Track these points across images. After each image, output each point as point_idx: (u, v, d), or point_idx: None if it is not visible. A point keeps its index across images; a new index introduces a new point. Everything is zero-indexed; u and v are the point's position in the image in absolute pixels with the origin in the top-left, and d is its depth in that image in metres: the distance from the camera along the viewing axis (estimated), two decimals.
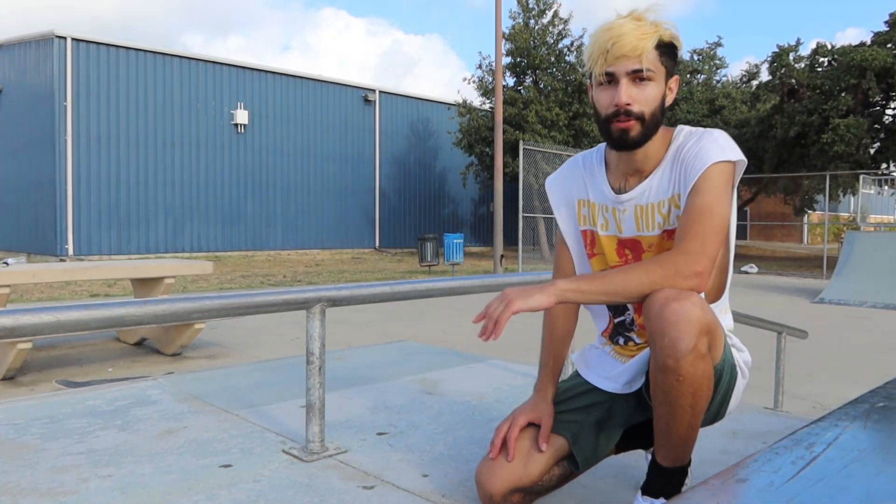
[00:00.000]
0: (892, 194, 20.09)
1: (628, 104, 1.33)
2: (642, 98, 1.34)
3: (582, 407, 1.50)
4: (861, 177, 14.80)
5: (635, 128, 1.35)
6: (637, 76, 1.33)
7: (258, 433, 2.04)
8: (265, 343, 5.54)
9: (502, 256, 13.92)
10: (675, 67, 1.40)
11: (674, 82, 1.41)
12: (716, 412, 1.40)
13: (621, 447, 1.58)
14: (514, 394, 2.56)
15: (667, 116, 1.50)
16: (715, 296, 1.46)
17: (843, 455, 0.85)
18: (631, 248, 1.48)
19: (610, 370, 1.53)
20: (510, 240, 19.39)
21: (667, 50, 1.36)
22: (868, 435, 0.94)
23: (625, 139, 1.37)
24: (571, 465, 1.47)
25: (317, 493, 1.60)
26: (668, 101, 1.40)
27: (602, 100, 1.37)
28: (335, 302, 1.84)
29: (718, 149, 1.34)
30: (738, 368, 1.42)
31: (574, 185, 1.57)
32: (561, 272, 1.61)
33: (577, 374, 1.63)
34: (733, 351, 1.42)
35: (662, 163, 1.42)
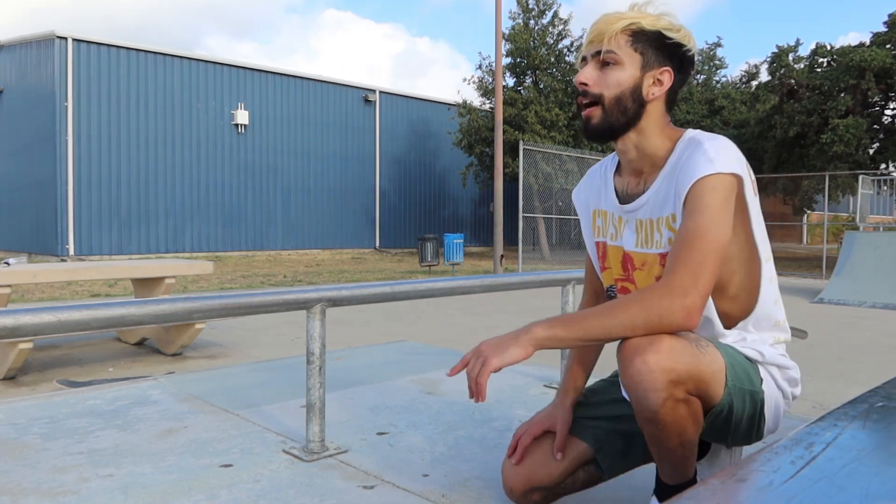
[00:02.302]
0: (892, 194, 20.09)
1: (584, 83, 1.32)
2: (602, 80, 1.31)
3: (612, 416, 1.45)
4: (860, 177, 14.80)
5: (596, 113, 1.32)
6: (599, 59, 1.31)
7: (258, 433, 2.05)
8: (265, 343, 5.54)
9: (502, 256, 13.93)
10: (666, 60, 1.33)
11: (661, 74, 1.32)
12: (746, 436, 1.32)
13: None
14: (514, 394, 2.56)
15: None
16: (739, 315, 1.35)
17: (843, 455, 0.85)
18: (631, 263, 1.42)
19: None
20: (510, 240, 19.39)
21: (648, 39, 1.31)
22: (867, 435, 0.94)
23: (587, 126, 1.35)
24: (598, 470, 1.45)
25: (317, 492, 1.60)
26: (654, 92, 1.33)
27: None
28: (335, 302, 1.84)
29: (706, 161, 1.23)
30: (763, 391, 1.30)
31: (592, 195, 1.53)
32: (589, 281, 1.61)
33: (616, 375, 1.53)
34: (766, 370, 1.32)
35: (661, 173, 1.33)
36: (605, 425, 1.45)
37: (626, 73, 1.31)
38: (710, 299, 1.32)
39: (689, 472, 1.31)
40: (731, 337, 1.34)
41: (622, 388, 1.21)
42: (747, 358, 1.31)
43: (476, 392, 1.20)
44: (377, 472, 1.74)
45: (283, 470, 1.74)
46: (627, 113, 1.32)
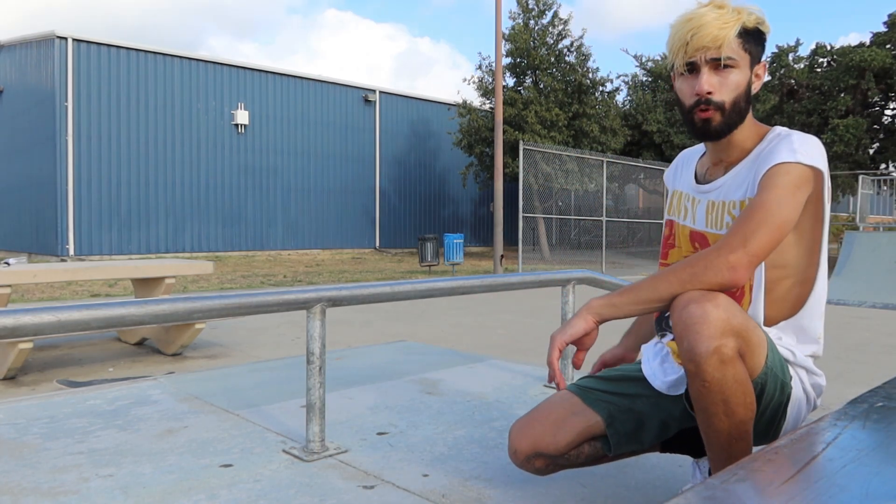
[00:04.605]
0: (892, 194, 20.10)
1: (709, 92, 1.32)
2: (724, 86, 1.33)
3: (628, 394, 1.45)
4: (860, 177, 14.82)
5: (716, 117, 1.34)
6: (717, 64, 1.31)
7: (258, 433, 2.05)
8: (265, 343, 5.54)
9: (502, 256, 13.93)
10: (762, 53, 1.37)
11: (760, 69, 1.37)
12: (765, 430, 1.32)
13: (667, 448, 1.54)
14: (514, 394, 2.56)
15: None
16: (790, 310, 1.37)
17: (843, 455, 0.86)
18: (700, 242, 1.45)
19: (661, 366, 1.46)
20: (510, 240, 19.40)
21: (751, 36, 1.33)
22: (867, 435, 0.94)
23: (706, 129, 1.36)
24: (605, 448, 1.44)
25: (317, 492, 1.60)
26: (755, 88, 1.38)
27: (684, 90, 1.37)
28: (335, 302, 1.84)
29: (789, 151, 1.28)
30: (791, 387, 1.31)
31: (675, 176, 1.60)
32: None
33: (639, 361, 1.58)
34: (795, 371, 1.33)
35: (744, 161, 1.38)
36: (620, 402, 1.44)
37: (742, 74, 1.34)
38: (762, 297, 1.33)
39: None
40: (770, 333, 1.34)
41: (675, 337, 1.19)
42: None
43: (551, 374, 1.26)
44: (377, 472, 1.74)
45: (283, 470, 1.74)
46: (743, 113, 1.37)
